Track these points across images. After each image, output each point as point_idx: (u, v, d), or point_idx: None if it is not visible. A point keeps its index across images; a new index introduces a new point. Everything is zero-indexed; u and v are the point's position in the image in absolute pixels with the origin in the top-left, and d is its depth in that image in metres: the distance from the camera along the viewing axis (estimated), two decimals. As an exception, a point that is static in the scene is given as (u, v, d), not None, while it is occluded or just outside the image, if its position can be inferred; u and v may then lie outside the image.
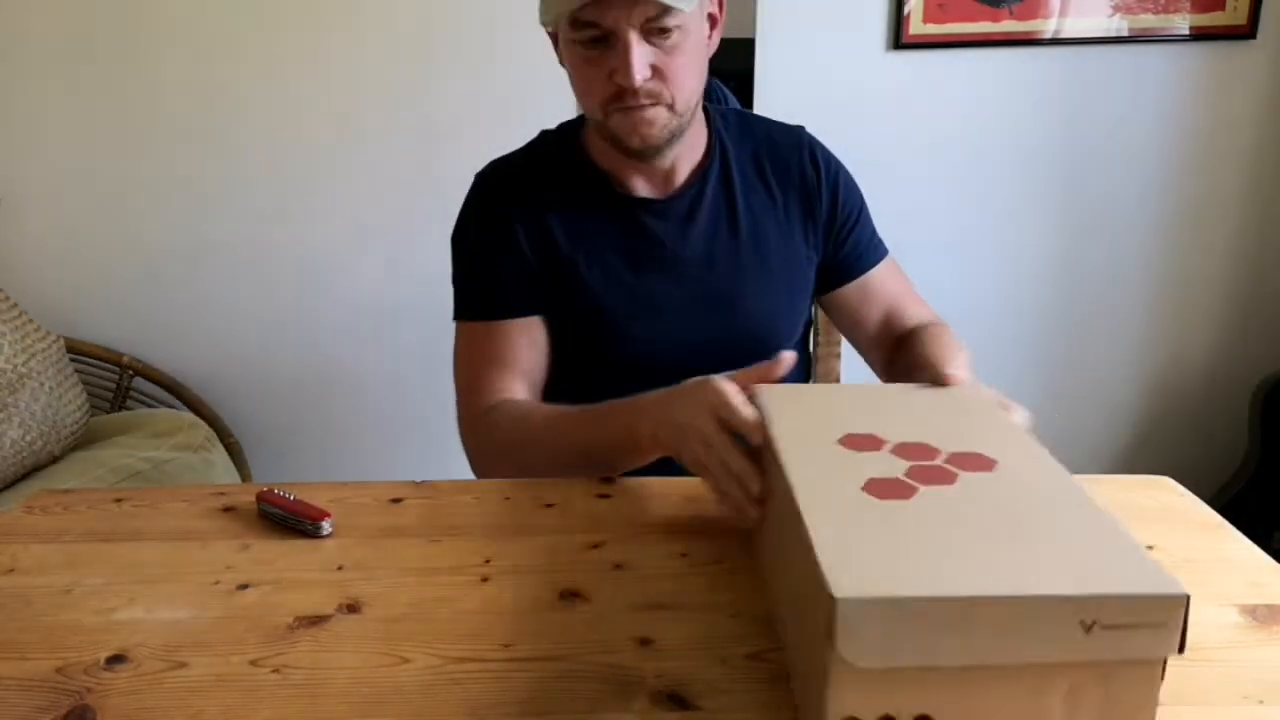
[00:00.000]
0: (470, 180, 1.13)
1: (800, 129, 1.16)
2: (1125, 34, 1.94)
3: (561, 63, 1.02)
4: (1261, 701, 0.62)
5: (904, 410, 0.79)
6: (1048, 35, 1.95)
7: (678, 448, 0.82)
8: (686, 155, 1.07)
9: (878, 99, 1.97)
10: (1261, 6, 1.92)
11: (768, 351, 1.05)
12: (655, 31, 0.93)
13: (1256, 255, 2.10)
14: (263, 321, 2.14)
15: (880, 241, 1.17)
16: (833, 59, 1.98)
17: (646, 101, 0.96)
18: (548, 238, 1.06)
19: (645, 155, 1.02)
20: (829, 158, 1.14)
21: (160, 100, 1.99)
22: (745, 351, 1.03)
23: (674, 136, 1.01)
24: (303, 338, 2.15)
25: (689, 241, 1.07)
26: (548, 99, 2.01)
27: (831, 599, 0.50)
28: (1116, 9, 1.93)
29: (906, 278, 1.19)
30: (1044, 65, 1.98)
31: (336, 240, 2.09)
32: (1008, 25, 1.94)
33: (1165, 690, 0.50)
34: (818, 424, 0.74)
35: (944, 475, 0.65)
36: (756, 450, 0.76)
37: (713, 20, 1.02)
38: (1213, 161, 2.04)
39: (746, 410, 0.76)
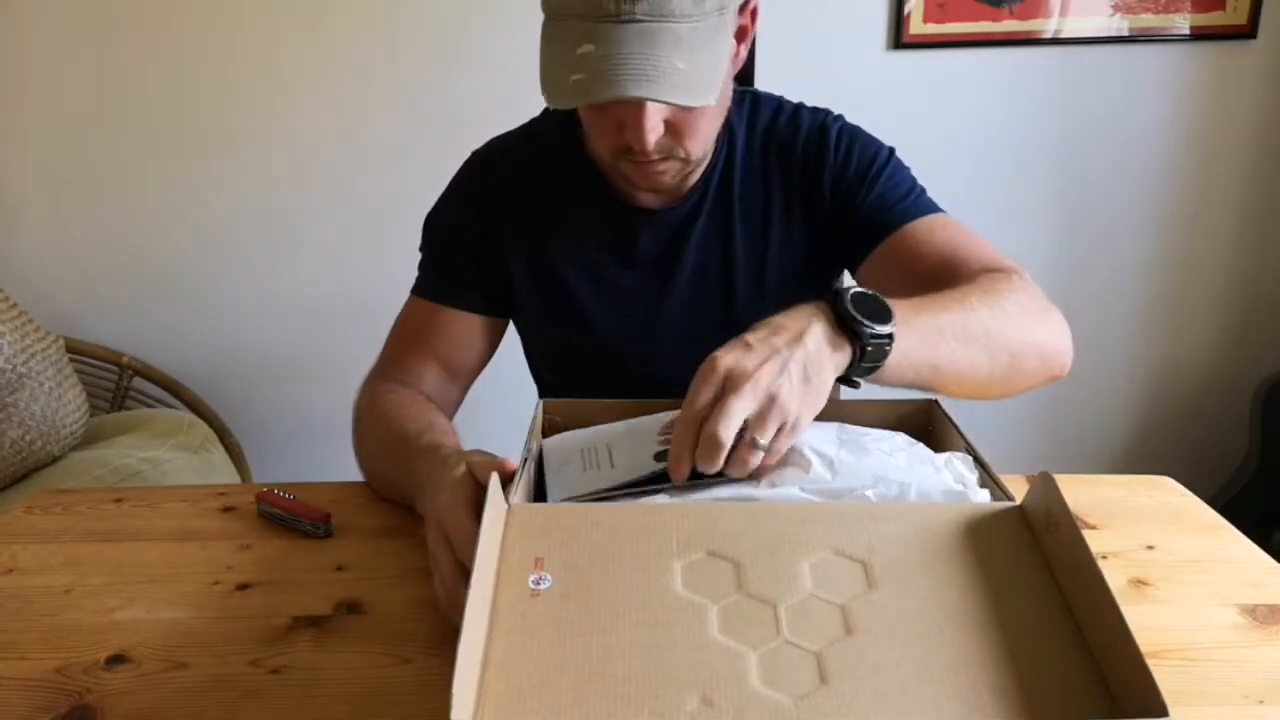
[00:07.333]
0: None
1: (817, 111, 1.04)
2: (1125, 34, 1.94)
3: None
4: (1262, 701, 0.62)
5: None
6: (1048, 35, 1.95)
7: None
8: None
9: (878, 99, 1.96)
10: (1262, 6, 1.92)
11: None
12: None
13: (1256, 255, 2.10)
14: (263, 322, 2.14)
15: (926, 201, 1.01)
16: (833, 59, 1.98)
17: (658, 157, 0.87)
18: (540, 245, 1.02)
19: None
20: (841, 127, 1.02)
21: (160, 100, 1.99)
22: None
23: (688, 177, 0.96)
24: (303, 338, 2.15)
25: (683, 257, 1.01)
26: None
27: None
28: (1117, 9, 1.93)
29: (972, 234, 1.00)
30: (1044, 65, 1.98)
31: (337, 240, 2.09)
32: (1008, 25, 1.94)
33: (1165, 690, 0.49)
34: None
35: None
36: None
37: (742, 33, 0.89)
38: (1213, 161, 2.04)
39: (460, 521, 0.66)
